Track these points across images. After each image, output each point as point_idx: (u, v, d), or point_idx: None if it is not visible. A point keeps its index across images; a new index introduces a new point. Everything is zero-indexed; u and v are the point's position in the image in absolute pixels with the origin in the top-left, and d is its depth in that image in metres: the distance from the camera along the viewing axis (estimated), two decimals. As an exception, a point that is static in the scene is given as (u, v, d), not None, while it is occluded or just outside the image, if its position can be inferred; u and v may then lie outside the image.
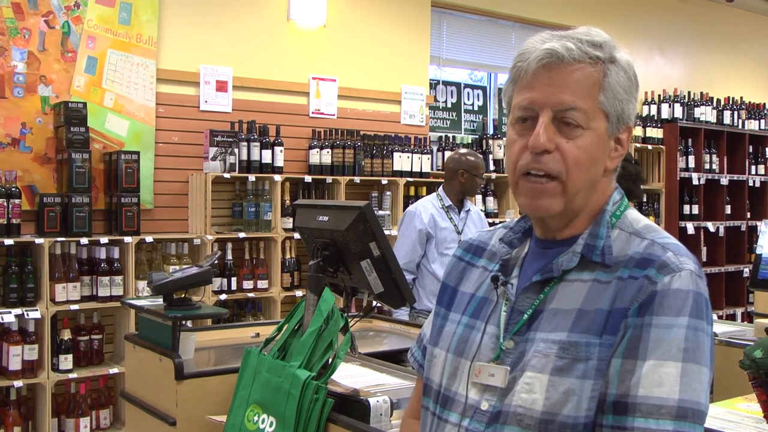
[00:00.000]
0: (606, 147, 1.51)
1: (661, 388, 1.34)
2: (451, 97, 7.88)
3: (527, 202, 1.51)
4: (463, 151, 5.23)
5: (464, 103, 7.97)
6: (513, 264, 1.61)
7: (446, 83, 7.83)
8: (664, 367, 1.35)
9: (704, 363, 1.38)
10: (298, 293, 6.00)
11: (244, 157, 5.92)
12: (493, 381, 1.50)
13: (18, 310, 5.00)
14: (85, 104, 5.38)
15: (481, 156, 5.16)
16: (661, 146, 8.55)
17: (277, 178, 5.95)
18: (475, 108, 8.04)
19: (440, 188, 5.12)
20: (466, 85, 8.03)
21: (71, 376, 5.20)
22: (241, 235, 5.86)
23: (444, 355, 1.62)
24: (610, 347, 1.40)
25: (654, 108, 8.71)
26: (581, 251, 1.49)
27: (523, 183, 1.50)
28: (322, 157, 6.29)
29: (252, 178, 5.91)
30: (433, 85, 7.58)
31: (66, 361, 5.20)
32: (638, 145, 8.34)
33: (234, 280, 5.89)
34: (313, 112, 6.56)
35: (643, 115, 8.65)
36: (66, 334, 5.23)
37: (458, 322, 1.63)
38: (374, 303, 2.80)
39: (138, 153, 5.53)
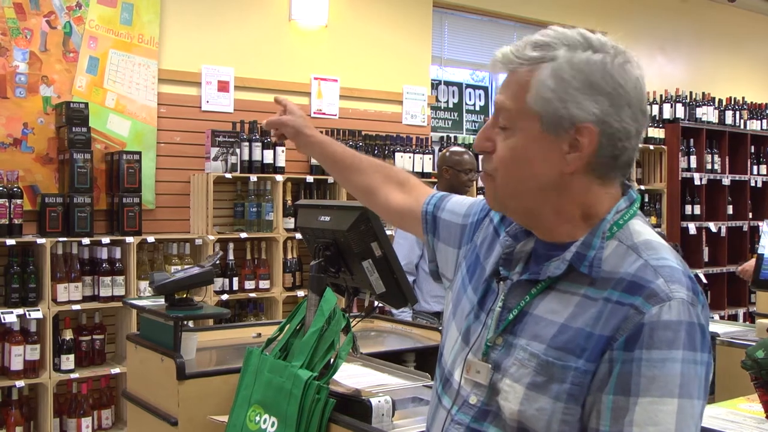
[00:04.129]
0: (544, 148, 1.43)
1: (657, 427, 1.31)
2: (453, 98, 7.89)
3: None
4: (452, 148, 5.24)
5: (466, 104, 7.97)
6: (518, 258, 1.57)
7: (448, 83, 7.84)
8: (660, 405, 1.31)
9: (699, 395, 1.35)
10: (300, 293, 6.00)
11: (246, 157, 5.92)
12: (479, 378, 1.51)
13: (20, 310, 5.01)
14: (86, 104, 5.39)
15: (469, 153, 5.13)
16: (663, 146, 8.54)
17: (279, 178, 5.96)
18: (477, 108, 8.04)
19: (434, 188, 5.12)
20: (468, 86, 8.03)
21: (73, 376, 5.21)
22: (243, 235, 5.87)
23: (456, 336, 1.62)
24: (585, 373, 1.36)
25: (656, 108, 8.70)
26: (570, 259, 1.44)
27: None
28: (324, 157, 6.28)
29: (254, 178, 5.92)
30: (435, 85, 7.58)
31: (68, 361, 5.20)
32: (640, 145, 8.31)
33: (236, 280, 5.89)
34: (314, 113, 6.56)
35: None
36: (68, 334, 5.24)
37: (472, 306, 1.61)
38: (376, 303, 2.80)
39: (140, 153, 5.53)
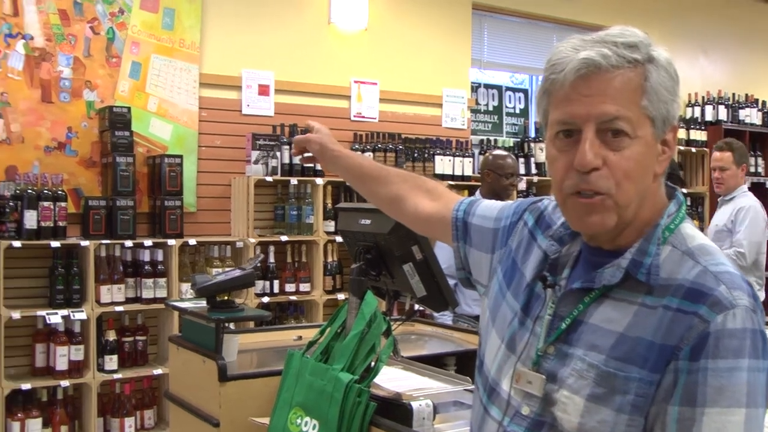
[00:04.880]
0: (654, 152, 1.42)
1: None
2: (493, 100, 7.86)
3: (578, 222, 1.44)
4: (494, 152, 5.22)
5: (506, 106, 7.94)
6: (564, 262, 1.53)
7: (488, 86, 7.81)
8: (728, 415, 1.29)
9: (763, 403, 1.32)
10: (340, 296, 6.02)
11: (286, 160, 5.95)
12: (530, 389, 1.47)
13: (64, 311, 5.08)
14: (129, 109, 5.45)
15: (511, 157, 5.12)
16: (705, 149, 8.44)
17: (319, 181, 5.98)
18: (517, 111, 8.01)
19: (477, 191, 5.11)
20: (508, 88, 8.00)
21: (116, 376, 5.27)
22: (284, 238, 5.89)
23: (498, 344, 1.58)
24: (650, 384, 1.33)
25: (698, 110, 8.61)
26: (626, 267, 1.40)
27: (572, 202, 1.42)
28: (364, 160, 6.29)
29: (294, 181, 5.94)
30: (475, 88, 7.57)
31: (111, 361, 5.26)
32: (682, 147, 8.25)
33: (276, 282, 5.91)
34: (354, 116, 6.58)
35: (687, 117, 8.56)
36: (111, 335, 5.30)
37: (514, 313, 1.57)
38: (416, 306, 2.80)
39: (181, 157, 5.59)
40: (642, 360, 1.34)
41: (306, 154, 2.28)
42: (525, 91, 8.12)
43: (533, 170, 7.27)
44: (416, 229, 2.10)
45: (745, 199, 5.77)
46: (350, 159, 2.17)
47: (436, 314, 4.53)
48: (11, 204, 5.04)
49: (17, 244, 4.97)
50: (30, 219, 5.03)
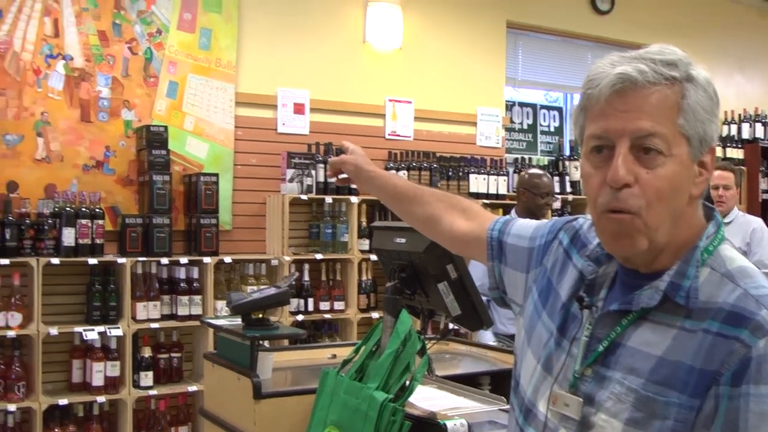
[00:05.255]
0: (690, 173, 1.39)
1: None
2: (527, 119, 7.85)
3: (610, 242, 1.43)
4: (530, 170, 5.21)
5: (540, 125, 7.93)
6: (600, 283, 1.52)
7: (522, 104, 7.81)
8: None
9: None
10: (375, 315, 6.01)
11: (321, 178, 5.97)
12: (567, 411, 1.45)
13: (101, 328, 5.12)
14: (166, 128, 5.51)
15: (547, 176, 5.10)
16: (742, 167, 8.36)
17: (354, 199, 5.99)
18: (551, 129, 7.99)
19: (513, 210, 5.10)
20: (542, 106, 7.99)
21: (151, 392, 5.30)
22: (318, 256, 5.91)
23: (534, 364, 1.57)
24: (690, 410, 1.31)
25: (734, 128, 8.54)
26: (665, 289, 1.38)
27: (604, 221, 1.41)
28: (398, 178, 6.30)
29: (329, 199, 5.96)
30: (509, 106, 7.56)
31: (146, 378, 5.29)
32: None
33: (311, 301, 5.93)
34: (389, 134, 6.60)
35: (723, 135, 8.49)
36: (146, 352, 5.33)
37: (550, 333, 1.56)
38: (451, 325, 2.80)
39: (217, 175, 5.63)
40: (682, 385, 1.32)
41: (341, 176, 2.29)
42: (559, 110, 8.10)
43: (568, 189, 7.24)
44: (451, 249, 2.10)
45: (752, 219, 5.74)
46: (385, 179, 2.18)
47: (478, 333, 4.51)
48: (50, 222, 5.11)
49: (55, 261, 5.03)
50: (68, 236, 5.10)
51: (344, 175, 2.28)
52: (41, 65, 5.32)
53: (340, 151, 2.30)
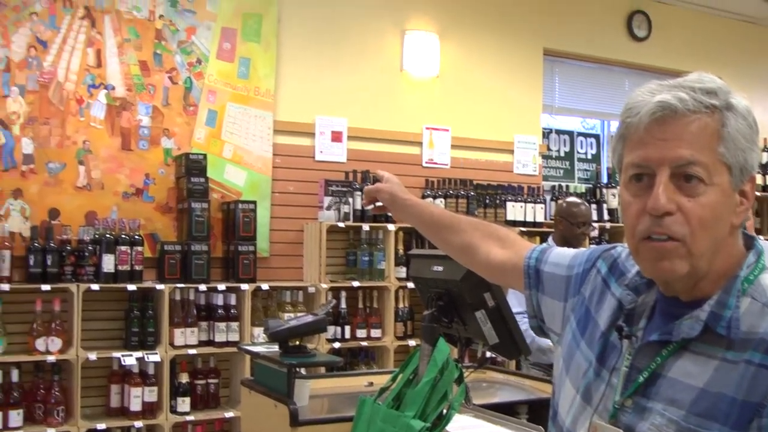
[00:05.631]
0: (731, 202, 1.39)
1: None
2: (564, 146, 7.83)
3: (650, 266, 1.41)
4: (568, 199, 5.19)
5: (577, 152, 7.90)
6: (640, 312, 1.50)
7: (559, 132, 7.79)
8: None
9: None
10: (411, 343, 6.00)
11: (359, 206, 5.98)
12: None
13: (139, 353, 5.16)
14: (205, 156, 5.56)
15: (585, 205, 5.08)
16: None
17: (391, 227, 6.00)
18: (589, 156, 7.96)
19: (550, 237, 5.08)
20: (579, 134, 7.97)
21: (188, 418, 5.32)
22: (355, 283, 5.92)
23: (573, 394, 1.56)
24: None
25: (774, 156, 8.44)
26: (706, 320, 1.37)
27: (643, 247, 1.39)
28: (435, 206, 6.29)
29: (366, 227, 5.97)
30: (546, 133, 7.55)
31: (184, 403, 5.32)
32: (758, 194, 8.08)
33: (347, 328, 5.92)
34: (426, 162, 6.62)
35: (764, 162, 8.39)
36: (184, 378, 5.36)
37: (589, 363, 1.54)
38: (488, 354, 2.79)
39: (255, 202, 5.67)
40: (724, 417, 1.31)
41: (376, 204, 2.29)
42: (597, 137, 8.07)
43: (605, 216, 7.19)
44: (488, 278, 2.09)
45: None
46: (421, 207, 2.18)
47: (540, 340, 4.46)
48: (90, 248, 5.17)
49: (95, 287, 5.09)
50: (108, 263, 5.16)
51: (379, 204, 2.28)
52: (84, 95, 5.41)
53: (376, 179, 2.31)
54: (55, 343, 4.99)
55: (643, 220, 1.38)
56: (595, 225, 6.85)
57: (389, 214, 2.33)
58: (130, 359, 5.13)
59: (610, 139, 8.02)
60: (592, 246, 2.40)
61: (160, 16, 5.65)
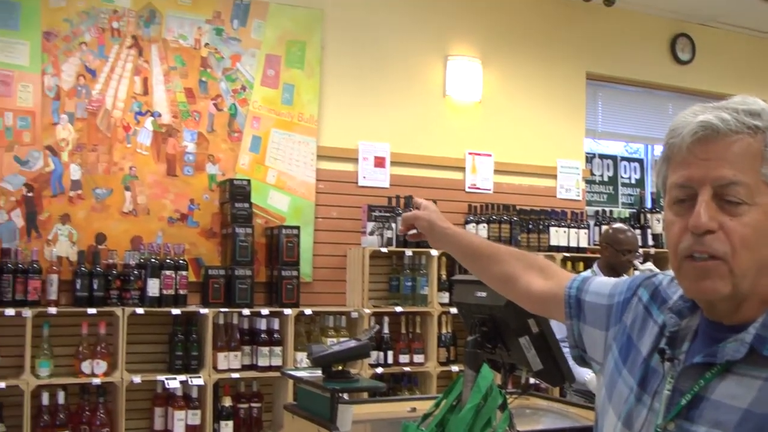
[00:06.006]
0: None
1: None
2: (608, 171, 7.79)
3: (692, 285, 1.41)
4: (614, 225, 5.15)
5: (621, 176, 7.85)
6: (683, 336, 1.49)
7: (602, 156, 7.75)
8: None
9: None
10: (454, 368, 5.98)
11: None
12: None
13: (183, 377, 5.20)
14: (249, 181, 5.61)
15: (632, 231, 5.04)
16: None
17: (434, 252, 5.99)
18: (632, 181, 7.91)
19: (595, 263, 5.05)
20: (623, 158, 7.92)
21: (232, 443, 5.34)
22: (398, 309, 5.92)
23: (614, 421, 1.55)
24: None
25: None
26: (750, 342, 1.36)
27: (685, 266, 1.39)
28: (479, 231, 6.29)
29: (409, 252, 5.98)
30: (589, 158, 7.52)
31: (227, 427, 5.34)
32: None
33: (390, 353, 5.92)
34: (469, 187, 6.61)
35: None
36: (227, 401, 5.38)
37: (630, 389, 1.53)
38: (532, 380, 2.77)
39: (298, 228, 5.70)
40: None
41: (412, 231, 2.29)
42: (640, 161, 8.01)
43: (650, 242, 7.12)
44: (529, 308, 2.07)
45: None
46: (460, 236, 2.18)
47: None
48: (135, 272, 5.24)
49: (140, 310, 5.15)
50: (153, 287, 5.22)
51: (414, 231, 2.28)
52: (131, 122, 5.50)
53: (416, 206, 2.31)
54: (101, 365, 5.05)
55: (685, 238, 1.38)
56: (641, 252, 6.78)
57: (425, 241, 2.32)
58: (174, 382, 5.17)
59: (654, 163, 7.96)
60: (635, 273, 2.38)
61: (206, 45, 5.73)
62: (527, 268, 1.97)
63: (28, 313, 4.88)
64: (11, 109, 5.22)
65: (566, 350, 2.34)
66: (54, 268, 5.13)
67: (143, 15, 5.58)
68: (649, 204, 7.57)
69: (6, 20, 5.22)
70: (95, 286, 5.12)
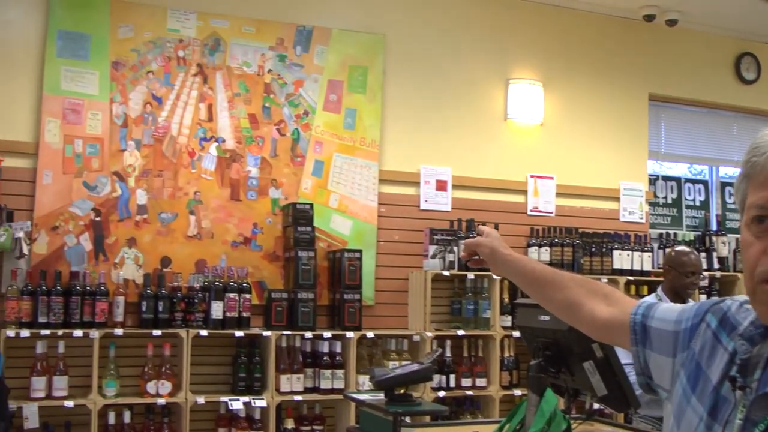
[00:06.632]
0: None
1: None
2: (672, 193, 7.69)
3: (767, 311, 1.39)
4: (677, 248, 5.08)
5: (685, 199, 7.75)
6: (755, 363, 1.45)
7: (666, 178, 7.66)
8: None
9: None
10: (517, 392, 5.94)
11: (463, 254, 5.97)
12: None
13: (246, 398, 5.25)
14: (311, 205, 5.67)
15: (695, 253, 4.96)
16: None
17: (496, 276, 5.97)
18: (697, 203, 7.79)
19: (659, 287, 4.98)
20: (687, 180, 7.81)
21: (294, 465, 5.37)
22: (460, 332, 5.90)
23: None
24: None
25: None
26: None
27: (761, 290, 1.37)
28: (541, 255, 6.26)
29: (471, 275, 5.97)
30: (653, 180, 7.43)
31: (289, 449, 5.38)
32: None
33: (452, 377, 5.90)
34: (531, 210, 6.59)
35: None
36: (290, 424, 5.41)
37: (700, 418, 1.50)
38: (596, 405, 2.75)
39: (360, 251, 5.73)
40: None
41: (475, 257, 2.28)
42: (705, 183, 7.90)
43: (715, 265, 7.01)
44: (593, 335, 2.04)
45: None
46: (522, 263, 2.16)
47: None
48: (199, 295, 5.32)
49: (204, 333, 5.22)
50: (216, 309, 5.29)
51: (476, 257, 2.27)
52: (195, 147, 5.60)
53: (478, 233, 2.30)
54: (165, 386, 5.12)
55: (764, 261, 1.35)
56: (705, 274, 6.68)
57: (486, 267, 2.30)
58: (237, 404, 5.22)
59: (719, 185, 7.86)
60: (702, 298, 2.35)
61: (269, 71, 5.82)
62: (590, 295, 1.94)
63: (95, 334, 4.99)
64: (81, 137, 5.35)
65: (632, 377, 2.32)
66: (120, 290, 5.24)
67: (208, 43, 5.69)
68: (714, 227, 7.45)
69: (77, 51, 5.37)
70: (160, 309, 5.21)
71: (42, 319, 4.96)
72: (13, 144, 5.24)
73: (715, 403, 1.49)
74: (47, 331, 4.94)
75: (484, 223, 6.05)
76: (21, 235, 4.99)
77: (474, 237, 2.28)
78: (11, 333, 4.84)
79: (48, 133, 5.28)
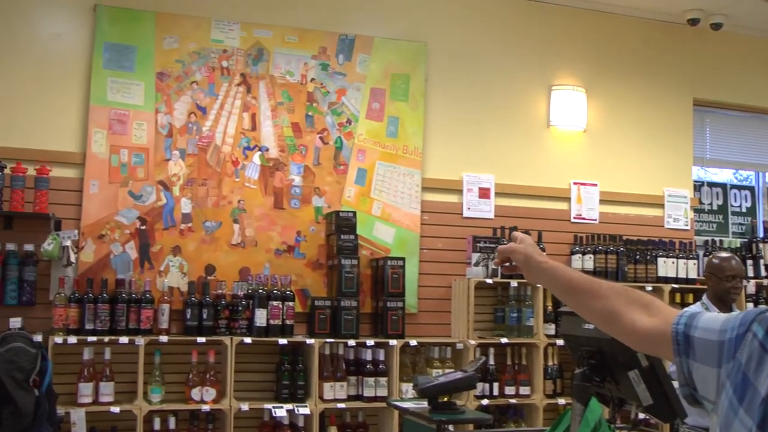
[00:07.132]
0: None
1: None
2: (717, 199, 7.60)
3: None
4: (717, 254, 5.03)
5: (731, 205, 7.66)
6: None
7: (711, 184, 7.58)
8: None
9: None
10: (561, 401, 5.90)
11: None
12: None
13: (289, 406, 5.28)
14: (354, 213, 5.69)
15: (736, 259, 4.90)
16: None
17: (531, 283, 5.94)
18: (743, 210, 7.70)
19: (704, 295, 4.94)
20: (733, 186, 7.72)
21: (338, 472, 5.38)
22: (503, 340, 5.88)
23: None
24: None
25: None
26: None
27: None
28: (585, 262, 6.23)
29: (514, 283, 5.95)
30: (698, 186, 7.36)
31: (333, 456, 5.39)
32: None
33: (496, 385, 5.88)
34: (574, 217, 6.56)
35: None
36: (332, 431, 5.43)
37: (749, 430, 1.48)
38: (642, 415, 2.73)
39: (403, 259, 5.74)
40: None
41: (507, 264, 2.26)
42: (751, 189, 7.80)
43: (762, 273, 6.91)
44: (634, 346, 2.00)
45: None
46: (559, 271, 2.10)
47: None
48: (243, 303, 5.36)
49: (248, 340, 5.26)
50: (260, 317, 5.33)
51: (508, 264, 2.24)
52: (239, 157, 5.65)
53: (512, 239, 2.28)
54: (210, 393, 5.17)
55: None
56: (749, 280, 6.60)
57: (520, 273, 2.27)
58: (280, 411, 5.24)
59: (765, 191, 7.75)
60: (748, 307, 2.32)
61: (312, 80, 5.86)
62: (630, 305, 1.90)
63: (140, 341, 5.05)
64: (127, 146, 5.43)
65: (677, 387, 2.30)
66: (165, 298, 5.31)
67: (251, 53, 5.74)
68: (761, 233, 7.36)
69: (122, 62, 5.45)
70: (204, 316, 5.26)
71: (89, 326, 5.04)
72: (60, 154, 5.33)
73: (764, 415, 1.47)
74: (94, 338, 5.02)
75: (527, 231, 6.03)
76: (68, 243, 5.07)
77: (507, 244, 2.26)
78: (59, 339, 4.92)
79: (95, 143, 5.37)
